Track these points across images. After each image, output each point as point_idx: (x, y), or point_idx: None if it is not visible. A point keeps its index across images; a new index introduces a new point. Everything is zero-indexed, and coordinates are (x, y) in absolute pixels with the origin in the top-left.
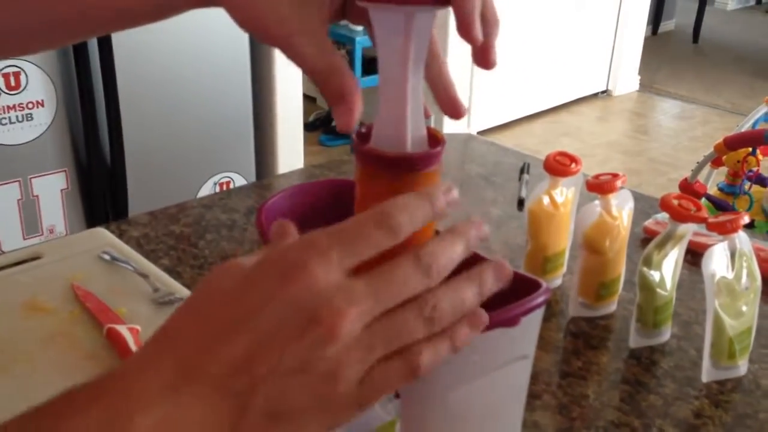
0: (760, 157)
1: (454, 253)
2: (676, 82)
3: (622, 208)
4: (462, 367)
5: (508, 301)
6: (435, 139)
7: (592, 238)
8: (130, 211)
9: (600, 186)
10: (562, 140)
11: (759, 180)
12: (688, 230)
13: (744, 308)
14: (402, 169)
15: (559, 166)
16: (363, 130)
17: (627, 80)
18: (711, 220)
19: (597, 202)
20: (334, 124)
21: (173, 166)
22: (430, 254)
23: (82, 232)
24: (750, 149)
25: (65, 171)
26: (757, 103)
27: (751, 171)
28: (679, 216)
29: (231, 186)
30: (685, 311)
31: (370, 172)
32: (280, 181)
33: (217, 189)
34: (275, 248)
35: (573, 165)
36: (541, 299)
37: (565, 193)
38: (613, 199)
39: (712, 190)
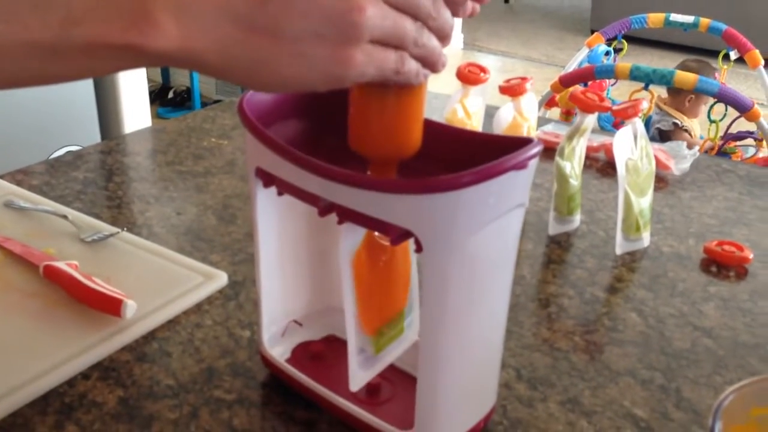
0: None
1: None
2: (496, 39)
3: (530, 111)
4: (481, 211)
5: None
6: None
7: None
8: None
9: (512, 89)
10: None
11: None
12: (591, 122)
13: (645, 186)
14: None
15: (471, 75)
16: None
17: (452, 39)
18: (615, 107)
19: (510, 104)
20: (170, 96)
21: (10, 144)
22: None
23: None
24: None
25: None
26: (568, 54)
27: None
28: (588, 107)
29: None
30: (586, 201)
31: None
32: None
33: None
34: None
35: (482, 74)
36: (539, 147)
37: (474, 102)
38: (522, 100)
39: None
